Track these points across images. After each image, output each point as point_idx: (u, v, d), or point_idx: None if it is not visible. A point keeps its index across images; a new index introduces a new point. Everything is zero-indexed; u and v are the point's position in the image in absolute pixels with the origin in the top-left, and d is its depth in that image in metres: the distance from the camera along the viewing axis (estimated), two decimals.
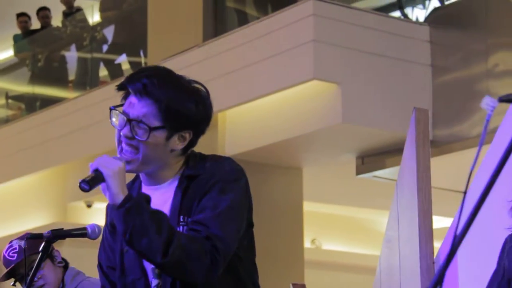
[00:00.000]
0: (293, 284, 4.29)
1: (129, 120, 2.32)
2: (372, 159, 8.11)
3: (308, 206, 9.35)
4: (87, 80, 10.77)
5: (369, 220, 11.10)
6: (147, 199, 2.27)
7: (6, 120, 11.45)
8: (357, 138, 7.77)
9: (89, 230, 2.58)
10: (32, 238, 2.54)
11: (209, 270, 2.22)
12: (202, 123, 2.40)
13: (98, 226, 2.61)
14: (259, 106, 7.92)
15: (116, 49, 10.44)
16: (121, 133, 2.33)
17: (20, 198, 10.57)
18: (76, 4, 11.46)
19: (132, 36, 10.12)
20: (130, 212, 2.21)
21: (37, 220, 10.07)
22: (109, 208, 2.43)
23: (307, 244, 11.07)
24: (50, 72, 11.43)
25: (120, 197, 2.23)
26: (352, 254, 11.18)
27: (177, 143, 2.35)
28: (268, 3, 8.67)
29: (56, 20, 11.74)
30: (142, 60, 9.86)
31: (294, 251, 8.42)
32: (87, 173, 2.28)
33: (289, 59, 7.46)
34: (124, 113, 2.33)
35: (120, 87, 2.38)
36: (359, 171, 8.26)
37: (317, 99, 7.52)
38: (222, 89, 7.88)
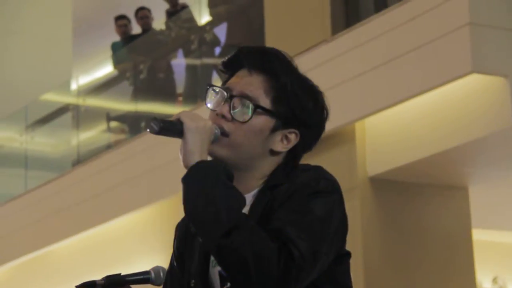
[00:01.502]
0: None
1: (231, 96, 2.30)
2: None
3: (481, 235, 9.18)
4: (197, 91, 10.92)
5: None
6: (229, 174, 2.24)
7: (108, 146, 11.73)
8: None
9: (153, 274, 2.58)
10: (83, 287, 2.55)
11: (279, 279, 2.13)
12: (314, 131, 2.37)
13: (163, 269, 2.60)
14: (406, 111, 7.84)
15: (230, 51, 10.54)
16: (217, 112, 2.30)
17: (125, 240, 10.87)
18: (181, 0, 11.67)
19: (249, 34, 10.20)
20: (205, 173, 2.19)
21: (147, 265, 10.21)
22: (180, 231, 2.44)
23: (486, 284, 10.87)
24: (155, 84, 11.66)
25: (196, 157, 2.21)
26: None
27: (278, 143, 2.33)
28: None
29: (159, 22, 11.99)
30: None
31: None
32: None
33: (440, 49, 7.35)
34: (226, 88, 2.32)
35: (229, 60, 2.38)
36: None
37: (478, 97, 7.39)
38: (358, 93, 7.85)
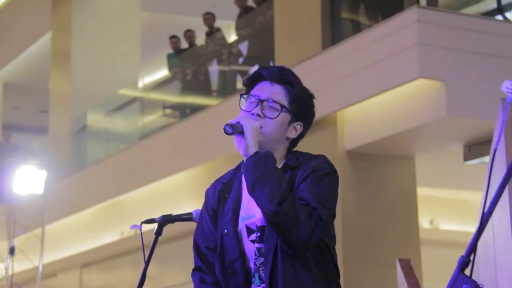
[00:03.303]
0: (399, 260, 4.18)
1: (261, 101, 2.32)
2: (478, 147, 7.85)
3: (423, 191, 9.15)
4: (226, 89, 10.91)
5: (479, 202, 10.78)
6: (275, 160, 2.26)
7: (163, 126, 11.73)
8: (462, 129, 7.54)
9: (194, 215, 2.57)
10: (146, 223, 2.54)
11: (311, 233, 2.18)
12: (310, 122, 2.40)
13: None
14: (373, 104, 7.79)
15: (250, 61, 10.52)
16: (252, 113, 2.31)
17: (176, 191, 10.82)
18: (216, 25, 11.64)
19: (263, 49, 10.16)
20: (261, 161, 2.21)
21: (190, 210, 10.26)
22: (210, 194, 2.42)
23: (426, 225, 10.84)
24: (197, 84, 11.65)
25: (253, 149, 2.24)
26: (466, 233, 10.85)
27: (291, 132, 2.35)
28: (378, 13, 8.52)
29: (200, 40, 11.97)
30: None
31: (410, 231, 8.24)
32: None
33: (397, 61, 7.32)
34: (254, 95, 2.33)
35: (254, 76, 2.37)
36: (466, 158, 8.01)
37: (424, 95, 7.34)
38: (340, 91, 7.82)
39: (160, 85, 12.90)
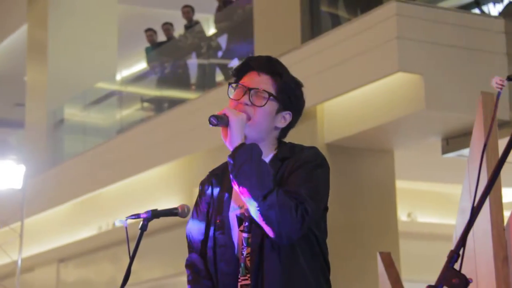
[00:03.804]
0: (380, 253, 4.21)
1: (249, 89, 2.33)
2: (455, 140, 7.91)
3: (401, 184, 9.20)
4: (205, 82, 10.89)
5: (457, 194, 10.85)
6: (260, 152, 2.27)
7: (141, 120, 11.70)
8: (440, 122, 7.58)
9: (179, 210, 2.57)
10: (131, 218, 2.54)
11: (296, 225, 2.19)
12: (300, 111, 2.42)
13: (188, 206, 2.60)
14: (353, 98, 7.82)
15: (229, 55, 10.51)
16: (240, 102, 2.33)
17: (154, 186, 10.79)
18: (194, 18, 11.61)
19: (242, 42, 10.16)
20: (246, 153, 2.22)
21: (169, 204, 10.23)
22: (204, 186, 2.44)
23: (404, 217, 10.92)
24: (175, 77, 11.62)
25: (239, 140, 2.25)
26: (443, 225, 10.94)
27: (280, 121, 2.36)
28: (357, 6, 8.55)
29: (178, 33, 11.93)
30: None
31: (389, 223, 8.30)
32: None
33: (376, 55, 7.34)
34: (242, 85, 2.35)
35: (242, 66, 2.40)
36: (444, 151, 8.07)
37: (402, 89, 7.37)
38: (320, 84, 7.83)
39: (138, 78, 12.85)
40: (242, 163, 2.22)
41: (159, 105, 11.81)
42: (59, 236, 12.78)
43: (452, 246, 3.54)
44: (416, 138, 8.16)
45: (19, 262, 9.58)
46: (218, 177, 2.41)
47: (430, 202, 11.21)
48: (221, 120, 2.27)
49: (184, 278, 3.75)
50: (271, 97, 2.34)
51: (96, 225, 12.05)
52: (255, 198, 2.19)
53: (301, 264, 2.27)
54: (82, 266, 12.90)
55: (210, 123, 2.28)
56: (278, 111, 2.36)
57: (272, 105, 2.35)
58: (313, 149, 2.37)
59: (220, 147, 10.04)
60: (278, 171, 2.31)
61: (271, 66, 2.38)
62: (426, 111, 7.19)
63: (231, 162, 2.25)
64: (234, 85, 2.38)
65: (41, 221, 12.92)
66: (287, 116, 2.38)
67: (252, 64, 2.39)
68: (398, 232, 8.32)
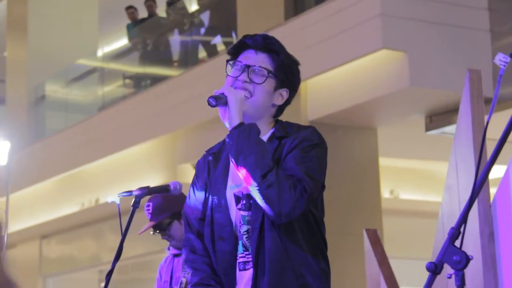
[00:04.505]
0: (366, 230, 4.21)
1: (248, 66, 2.32)
2: (439, 117, 7.94)
3: (384, 162, 9.23)
4: (188, 59, 10.82)
5: (439, 172, 10.92)
6: (258, 131, 2.26)
7: (123, 97, 11.63)
8: (424, 99, 7.60)
9: (172, 187, 2.57)
10: (123, 195, 2.53)
11: (295, 205, 2.19)
12: (296, 88, 2.43)
13: (179, 183, 2.59)
14: (336, 75, 7.80)
15: (211, 31, 10.45)
16: (238, 79, 2.32)
17: (137, 163, 10.76)
18: None
19: (225, 19, 10.09)
20: (245, 132, 2.22)
21: (152, 181, 10.24)
22: (200, 166, 2.42)
23: (386, 194, 10.97)
24: (158, 54, 11.54)
25: (237, 120, 2.24)
26: (426, 202, 11.00)
27: (278, 98, 2.36)
28: None
29: (161, 9, 11.84)
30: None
31: (372, 200, 8.33)
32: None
33: (360, 32, 7.33)
34: (241, 63, 2.34)
35: (238, 44, 2.38)
36: (428, 128, 8.10)
37: (387, 66, 7.37)
38: (303, 62, 7.67)
39: (120, 55, 12.75)
40: (240, 143, 2.22)
41: (141, 82, 11.73)
42: (42, 212, 12.74)
43: (437, 222, 3.55)
44: (400, 115, 8.18)
45: (5, 238, 9.54)
46: (215, 155, 2.40)
47: (412, 179, 11.26)
48: (219, 101, 2.25)
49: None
50: (270, 74, 2.33)
51: (78, 201, 12.01)
52: (254, 177, 2.18)
53: (300, 242, 2.28)
54: (65, 243, 12.88)
55: (209, 104, 2.26)
56: (276, 89, 2.35)
57: (271, 83, 2.34)
58: (311, 129, 2.35)
59: (203, 124, 10.06)
60: (276, 150, 2.30)
61: (268, 44, 2.37)
62: (409, 88, 7.21)
63: (230, 142, 2.24)
64: (231, 62, 2.36)
65: (23, 197, 12.86)
66: (284, 93, 2.38)
67: (249, 42, 2.37)
68: (381, 209, 8.36)
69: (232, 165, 2.32)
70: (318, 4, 8.07)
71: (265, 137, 2.34)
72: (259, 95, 2.32)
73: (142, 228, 3.54)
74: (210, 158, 2.39)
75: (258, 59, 2.35)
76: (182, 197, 3.57)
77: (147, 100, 10.30)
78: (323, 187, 2.35)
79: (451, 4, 7.53)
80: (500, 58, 1.48)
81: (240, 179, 2.28)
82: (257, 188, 2.19)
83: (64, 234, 12.75)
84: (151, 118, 10.10)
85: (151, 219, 3.58)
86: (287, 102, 2.41)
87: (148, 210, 3.56)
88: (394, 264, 3.97)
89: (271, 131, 2.36)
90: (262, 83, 2.32)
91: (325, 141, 2.35)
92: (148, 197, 3.00)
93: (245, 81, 2.32)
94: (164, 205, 3.54)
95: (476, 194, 1.49)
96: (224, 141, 2.38)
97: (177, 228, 3.53)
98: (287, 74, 2.37)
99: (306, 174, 2.23)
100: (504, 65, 1.47)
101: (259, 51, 2.36)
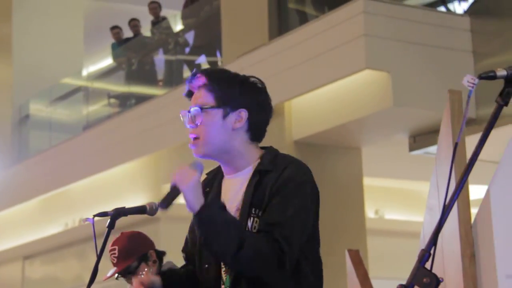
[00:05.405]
0: (348, 250, 4.21)
1: (189, 112, 2.27)
2: (422, 137, 7.97)
3: (369, 181, 9.24)
4: (173, 79, 10.84)
5: (424, 192, 10.94)
6: (222, 206, 2.18)
7: (108, 116, 11.61)
8: (408, 120, 7.63)
9: (147, 208, 2.52)
10: (98, 216, 2.49)
11: (276, 272, 2.16)
12: (254, 103, 2.30)
13: (155, 204, 2.54)
14: (320, 95, 7.82)
15: (196, 51, 10.47)
16: (189, 126, 2.29)
17: (121, 182, 10.72)
18: (162, 14, 11.55)
19: (209, 39, 10.12)
20: (204, 220, 2.14)
21: (136, 201, 10.20)
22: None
23: (371, 214, 10.96)
24: (143, 73, 11.55)
25: (196, 206, 2.15)
26: (411, 222, 11.01)
27: (235, 122, 2.26)
28: (325, 4, 8.56)
29: (145, 29, 11.86)
30: (219, 59, 9.86)
31: (357, 220, 8.32)
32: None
33: (344, 52, 7.36)
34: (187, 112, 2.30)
35: (188, 91, 2.34)
36: (411, 148, 8.13)
37: (370, 86, 7.39)
38: (287, 81, 7.83)
39: (104, 74, 12.75)
40: (206, 228, 2.15)
41: (126, 101, 11.73)
42: (24, 233, 12.65)
43: (419, 243, 3.55)
44: (384, 135, 8.20)
45: None
46: (209, 181, 2.38)
47: (397, 199, 11.28)
48: (171, 200, 2.18)
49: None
50: (204, 108, 2.26)
51: (62, 221, 11.94)
52: (226, 257, 2.16)
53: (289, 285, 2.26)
54: (48, 264, 12.78)
55: (162, 208, 2.20)
56: (226, 115, 2.27)
57: (212, 114, 2.27)
58: (295, 164, 2.27)
59: (187, 144, 10.02)
60: (258, 189, 2.24)
61: (200, 78, 2.30)
62: (393, 109, 7.23)
63: (197, 227, 2.20)
64: (183, 113, 2.33)
65: (5, 217, 12.77)
66: (243, 113, 2.28)
67: (189, 84, 2.34)
68: (365, 229, 8.36)
69: (222, 195, 2.31)
70: (302, 24, 8.11)
71: (247, 173, 2.29)
72: (206, 134, 2.26)
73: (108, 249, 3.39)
74: (205, 185, 2.33)
75: (197, 97, 2.30)
76: (148, 239, 3.46)
77: (131, 120, 10.28)
78: (315, 240, 2.33)
79: (434, 25, 7.58)
80: (468, 80, 1.50)
81: (230, 208, 2.25)
82: (233, 266, 2.19)
83: (47, 255, 12.66)
84: (135, 137, 10.08)
85: (116, 264, 3.37)
86: (258, 122, 2.32)
87: (113, 254, 3.36)
88: (379, 284, 3.97)
89: (254, 165, 2.30)
90: (202, 120, 2.26)
91: (311, 176, 2.28)
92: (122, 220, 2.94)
93: (193, 128, 2.28)
94: (130, 247, 3.35)
95: (446, 215, 1.49)
96: (216, 172, 2.38)
97: (145, 271, 3.34)
98: (229, 95, 2.27)
99: (283, 236, 2.17)
100: (473, 87, 1.48)
101: (199, 87, 2.31)
